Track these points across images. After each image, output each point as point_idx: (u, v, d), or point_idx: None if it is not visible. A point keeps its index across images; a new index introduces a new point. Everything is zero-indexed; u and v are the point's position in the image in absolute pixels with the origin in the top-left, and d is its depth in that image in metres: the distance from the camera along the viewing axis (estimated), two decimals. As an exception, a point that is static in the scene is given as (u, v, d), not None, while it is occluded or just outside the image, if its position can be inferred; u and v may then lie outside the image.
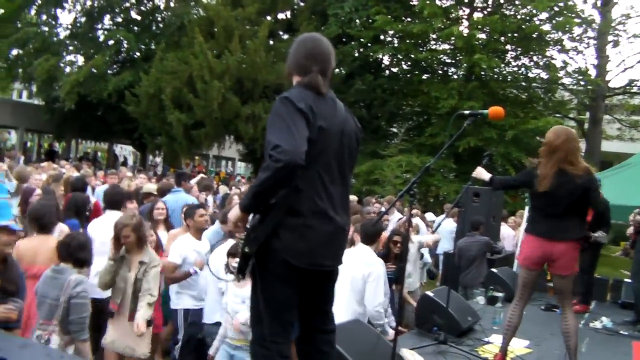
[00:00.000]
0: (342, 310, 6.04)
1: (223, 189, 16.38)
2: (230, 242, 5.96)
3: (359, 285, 6.35)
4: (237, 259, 3.62)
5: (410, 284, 9.18)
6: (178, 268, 6.93)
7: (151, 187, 11.87)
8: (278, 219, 3.41)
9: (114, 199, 8.01)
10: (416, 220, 11.77)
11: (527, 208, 6.78)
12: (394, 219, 11.65)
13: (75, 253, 5.30)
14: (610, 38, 28.14)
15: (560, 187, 5.68)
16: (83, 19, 35.35)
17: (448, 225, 13.52)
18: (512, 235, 14.47)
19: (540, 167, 5.75)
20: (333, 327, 3.95)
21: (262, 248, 3.44)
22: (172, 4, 35.29)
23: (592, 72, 28.04)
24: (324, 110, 3.56)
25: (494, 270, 10.15)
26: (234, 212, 3.50)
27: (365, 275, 6.33)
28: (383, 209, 13.41)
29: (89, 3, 35.02)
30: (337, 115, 3.69)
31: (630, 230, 9.75)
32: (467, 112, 5.24)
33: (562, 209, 5.69)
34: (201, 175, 18.38)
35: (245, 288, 4.98)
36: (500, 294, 9.13)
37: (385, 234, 8.23)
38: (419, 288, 9.36)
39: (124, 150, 51.78)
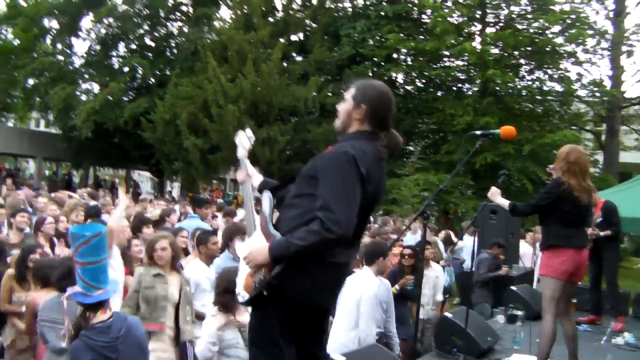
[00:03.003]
0: (338, 331, 6.03)
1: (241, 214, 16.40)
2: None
3: (354, 307, 6.31)
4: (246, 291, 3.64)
5: (426, 313, 9.10)
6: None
7: (155, 213, 11.96)
8: (301, 267, 3.42)
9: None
10: (435, 239, 11.69)
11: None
12: (413, 240, 11.59)
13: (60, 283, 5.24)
14: (624, 48, 27.94)
15: (590, 199, 6.16)
16: (98, 47, 35.75)
17: (469, 243, 13.44)
18: (530, 252, 14.35)
19: (571, 182, 5.89)
20: (326, 353, 4.02)
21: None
22: (185, 30, 35.56)
23: (607, 83, 27.84)
24: (376, 174, 3.58)
25: (513, 288, 10.04)
26: (262, 256, 3.47)
27: (357, 299, 6.29)
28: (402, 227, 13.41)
29: (103, 31, 35.37)
30: (381, 177, 3.73)
31: None
32: (478, 132, 5.23)
33: (587, 219, 5.98)
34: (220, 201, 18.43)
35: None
36: (520, 313, 9.04)
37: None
38: (434, 316, 9.26)
39: (141, 177, 51.96)
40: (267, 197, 3.82)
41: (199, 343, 5.52)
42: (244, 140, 4.35)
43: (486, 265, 10.77)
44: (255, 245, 3.59)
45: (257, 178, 4.20)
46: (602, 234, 9.16)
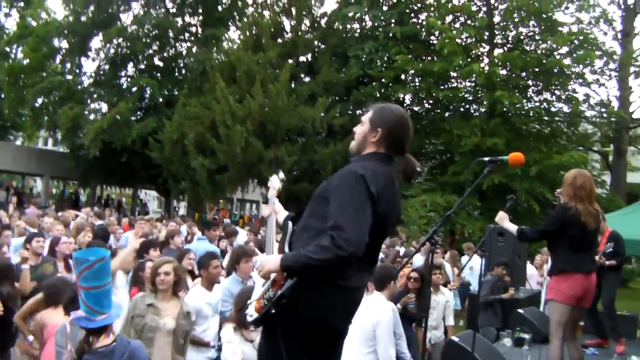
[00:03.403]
0: (354, 357, 5.99)
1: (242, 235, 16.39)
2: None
3: (369, 333, 6.28)
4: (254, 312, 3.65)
5: (435, 336, 9.07)
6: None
7: (163, 233, 12.00)
8: (312, 289, 3.43)
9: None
10: (442, 261, 11.66)
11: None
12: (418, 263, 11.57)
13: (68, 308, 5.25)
14: (632, 69, 28.02)
15: (597, 223, 6.17)
16: (107, 67, 35.93)
17: (476, 265, 13.39)
18: (536, 274, 14.28)
19: (578, 207, 5.89)
20: None
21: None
22: (194, 50, 35.69)
23: (615, 104, 27.92)
24: (388, 196, 3.58)
25: (520, 310, 9.99)
26: (273, 265, 3.50)
27: (374, 323, 6.26)
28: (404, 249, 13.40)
29: (112, 51, 35.52)
30: (395, 199, 3.73)
31: None
32: (486, 158, 5.22)
33: (595, 244, 5.99)
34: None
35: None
36: (527, 336, 8.97)
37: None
38: (443, 340, 9.22)
39: (148, 195, 52.03)
40: (287, 226, 3.87)
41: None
42: (275, 182, 4.45)
43: (488, 286, 10.72)
44: (268, 256, 3.66)
45: (283, 214, 4.20)
46: (607, 263, 9.11)
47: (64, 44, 36.35)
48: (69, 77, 36.11)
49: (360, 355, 6.19)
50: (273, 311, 3.45)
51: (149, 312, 5.76)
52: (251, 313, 3.65)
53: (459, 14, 27.22)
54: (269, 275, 3.60)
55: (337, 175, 3.53)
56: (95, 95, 36.24)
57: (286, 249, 3.70)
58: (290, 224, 3.86)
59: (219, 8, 35.70)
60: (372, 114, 3.79)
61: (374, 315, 6.22)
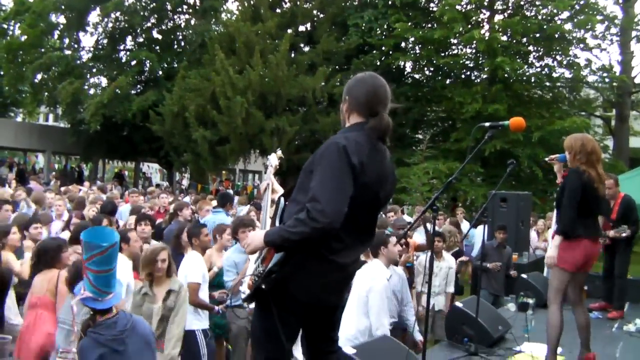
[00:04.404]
0: (349, 324, 6.00)
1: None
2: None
3: (363, 299, 6.29)
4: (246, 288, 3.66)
5: (438, 303, 9.09)
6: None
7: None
8: (301, 264, 3.42)
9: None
10: (449, 227, 11.63)
11: (555, 212, 6.66)
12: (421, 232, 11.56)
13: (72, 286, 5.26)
14: (633, 34, 27.83)
15: (604, 189, 6.21)
16: (105, 41, 35.88)
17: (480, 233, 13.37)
18: (536, 239, 14.28)
19: (590, 172, 5.84)
20: (338, 347, 4.04)
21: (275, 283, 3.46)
22: (192, 22, 35.55)
23: (617, 69, 27.79)
24: (373, 165, 3.55)
25: (524, 276, 10.00)
26: (257, 242, 3.49)
27: (367, 290, 6.27)
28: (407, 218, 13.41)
29: (110, 25, 35.38)
30: (383, 167, 3.70)
31: None
32: (487, 124, 5.15)
33: (602, 210, 5.96)
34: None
35: None
36: (531, 301, 8.97)
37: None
38: (445, 307, 9.25)
39: (151, 168, 52.07)
40: (280, 202, 3.92)
41: None
42: (273, 160, 4.56)
43: (479, 252, 10.73)
44: (254, 233, 3.66)
45: (279, 193, 4.19)
46: (624, 235, 9.04)
47: (62, 19, 36.24)
48: (68, 52, 36.04)
49: (354, 322, 6.22)
50: (263, 287, 3.45)
51: (145, 300, 5.92)
52: (244, 290, 3.66)
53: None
54: (261, 252, 3.60)
55: (321, 148, 3.51)
56: (94, 70, 36.21)
57: (276, 224, 3.72)
58: (282, 200, 3.91)
59: (217, -21, 35.42)
60: (345, 88, 3.83)
61: (368, 283, 6.25)
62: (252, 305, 3.76)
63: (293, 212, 3.44)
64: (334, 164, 3.35)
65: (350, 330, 6.09)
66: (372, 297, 6.25)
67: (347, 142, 3.42)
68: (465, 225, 13.87)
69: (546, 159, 7.01)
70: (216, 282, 7.55)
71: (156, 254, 6.00)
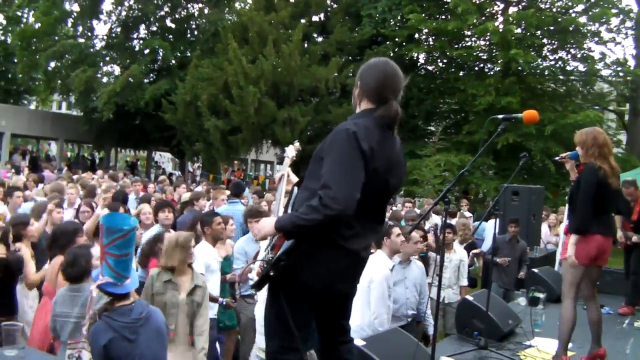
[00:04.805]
0: (354, 316, 6.00)
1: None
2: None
3: (365, 289, 6.29)
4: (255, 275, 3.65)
5: (449, 296, 9.07)
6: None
7: (187, 195, 12.03)
8: (311, 251, 3.40)
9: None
10: (463, 220, 11.60)
11: (567, 207, 6.64)
12: (431, 223, 11.54)
13: (67, 271, 5.28)
14: (648, 27, 27.67)
15: (618, 183, 6.05)
16: (119, 30, 35.90)
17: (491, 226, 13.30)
18: (547, 233, 14.22)
19: (604, 167, 5.82)
20: (351, 337, 4.02)
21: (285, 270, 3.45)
22: (205, 11, 35.51)
23: (631, 63, 27.61)
24: (384, 151, 3.53)
25: (535, 270, 9.94)
26: (268, 228, 3.48)
27: (368, 280, 6.27)
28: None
29: (124, 13, 35.42)
30: (393, 154, 3.66)
31: None
32: (500, 116, 5.12)
33: (615, 205, 5.93)
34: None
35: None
36: (542, 295, 8.92)
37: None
38: (456, 300, 9.23)
39: (163, 157, 52.17)
40: (293, 191, 3.87)
41: None
42: (290, 151, 4.56)
43: (491, 246, 10.76)
44: (265, 219, 3.65)
45: (292, 184, 4.18)
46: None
47: (75, 7, 36.28)
48: (81, 40, 36.06)
49: (360, 314, 6.21)
50: (272, 273, 3.43)
51: (168, 288, 5.78)
52: (253, 277, 3.65)
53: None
54: (271, 240, 3.59)
55: (331, 134, 3.49)
56: (107, 58, 36.32)
57: (288, 212, 3.69)
58: (295, 189, 3.85)
59: (230, -32, 35.40)
60: (358, 74, 3.80)
61: (369, 273, 6.22)
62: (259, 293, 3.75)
63: (304, 199, 3.43)
64: (344, 150, 3.33)
65: (356, 321, 6.09)
66: (372, 287, 6.25)
67: (357, 128, 3.39)
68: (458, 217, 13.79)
69: (556, 158, 6.95)
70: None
71: (189, 242, 5.98)
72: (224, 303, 7.02)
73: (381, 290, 6.31)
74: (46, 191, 11.88)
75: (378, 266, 6.40)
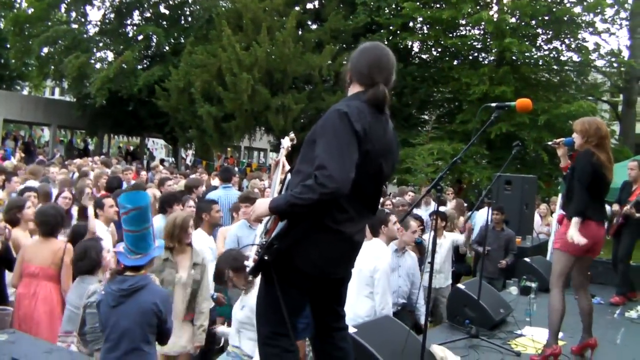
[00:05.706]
0: (352, 302, 5.99)
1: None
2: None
3: (366, 279, 6.27)
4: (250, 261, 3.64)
5: (439, 281, 9.09)
6: None
7: (181, 183, 11.98)
8: (304, 235, 3.40)
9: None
10: (451, 212, 11.60)
11: (560, 196, 6.63)
12: (427, 212, 11.54)
13: (77, 264, 5.32)
14: (643, 19, 27.67)
15: (611, 176, 6.00)
16: (112, 15, 35.76)
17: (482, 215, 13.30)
18: (539, 223, 14.23)
19: (601, 156, 5.79)
20: (345, 325, 4.05)
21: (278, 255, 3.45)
22: (199, -3, 35.39)
23: (625, 54, 27.63)
24: (376, 132, 3.54)
25: (526, 259, 9.97)
26: (262, 209, 3.50)
27: (371, 270, 6.25)
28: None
29: (117, -1, 35.24)
30: (386, 137, 3.68)
31: None
32: (494, 104, 5.11)
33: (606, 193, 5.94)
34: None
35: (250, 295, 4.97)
36: (533, 284, 8.93)
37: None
38: (450, 285, 9.25)
39: (156, 144, 52.08)
40: (287, 178, 3.87)
41: None
42: (286, 142, 4.74)
43: (478, 235, 10.80)
44: (259, 200, 3.67)
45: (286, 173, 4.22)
46: (637, 215, 9.03)
47: (69, -8, 36.08)
48: (74, 26, 35.93)
49: (356, 300, 6.21)
50: (266, 258, 3.44)
51: (166, 266, 5.87)
52: (249, 264, 3.65)
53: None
54: (266, 225, 3.61)
55: (323, 117, 3.52)
56: (101, 44, 36.13)
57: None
58: (289, 176, 3.85)
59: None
60: (348, 67, 3.83)
61: (372, 262, 6.22)
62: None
63: (297, 182, 3.43)
64: (337, 131, 3.35)
65: (355, 309, 6.08)
66: (377, 277, 6.24)
67: (349, 109, 3.42)
68: (451, 205, 13.75)
69: (549, 142, 6.90)
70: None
71: (187, 222, 6.01)
72: (215, 297, 6.97)
73: (386, 279, 6.32)
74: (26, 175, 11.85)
75: (380, 255, 6.40)
